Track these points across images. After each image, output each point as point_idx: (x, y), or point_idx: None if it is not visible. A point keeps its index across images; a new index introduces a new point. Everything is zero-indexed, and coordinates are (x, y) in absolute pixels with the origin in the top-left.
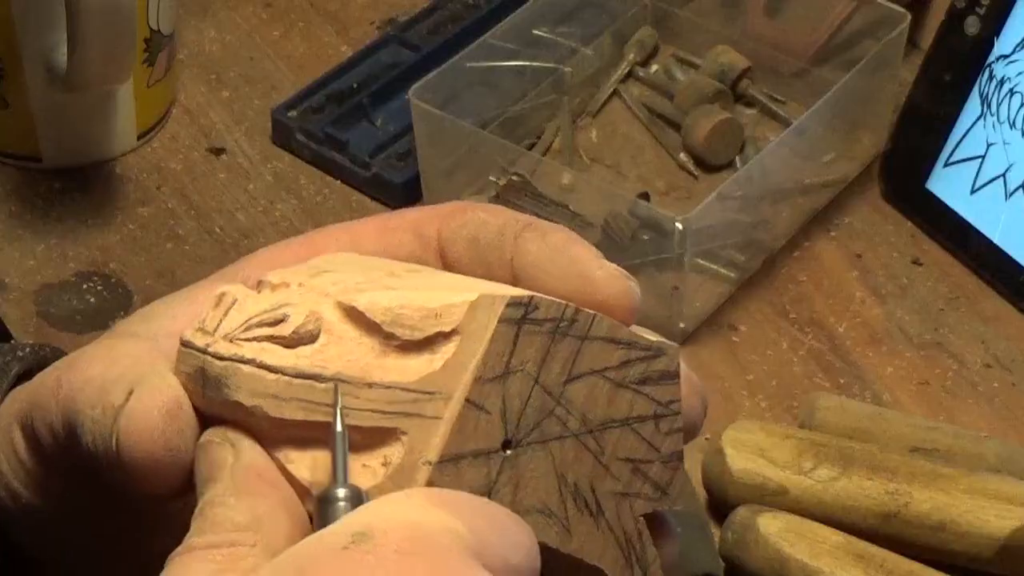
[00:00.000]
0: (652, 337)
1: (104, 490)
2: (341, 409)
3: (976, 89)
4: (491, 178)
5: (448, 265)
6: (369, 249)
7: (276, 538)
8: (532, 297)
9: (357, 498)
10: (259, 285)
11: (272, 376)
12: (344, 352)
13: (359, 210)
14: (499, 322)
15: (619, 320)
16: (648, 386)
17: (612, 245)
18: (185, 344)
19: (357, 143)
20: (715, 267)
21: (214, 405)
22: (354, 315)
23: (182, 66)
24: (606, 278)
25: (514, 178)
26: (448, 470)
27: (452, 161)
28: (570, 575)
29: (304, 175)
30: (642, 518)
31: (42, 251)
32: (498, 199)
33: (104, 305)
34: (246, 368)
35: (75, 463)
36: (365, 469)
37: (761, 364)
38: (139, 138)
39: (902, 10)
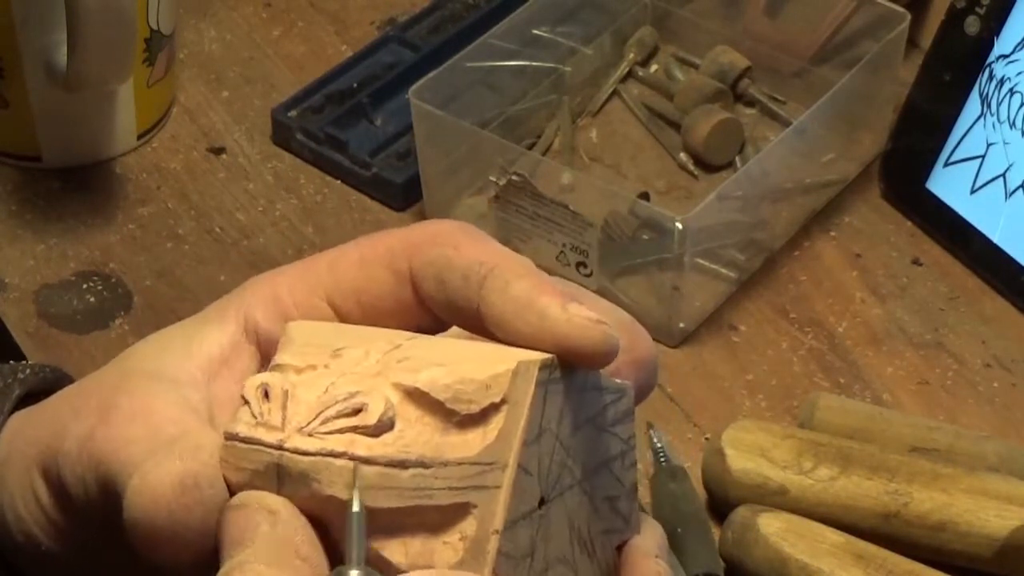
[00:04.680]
0: (616, 380)
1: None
2: (418, 490)
3: (976, 89)
4: (491, 178)
5: (421, 300)
6: (349, 286)
7: None
8: (553, 357)
9: None
10: (279, 368)
11: (366, 468)
12: (416, 434)
13: (359, 210)
14: (535, 386)
15: (597, 365)
16: (617, 426)
17: (612, 245)
18: (244, 440)
19: (357, 143)
20: (715, 267)
21: (293, 500)
22: (416, 395)
23: (182, 66)
24: (578, 331)
25: (514, 178)
26: (508, 536)
27: (452, 161)
28: None
29: (304, 175)
30: (616, 550)
31: (42, 251)
32: (498, 199)
33: (104, 305)
34: (338, 462)
35: (108, 518)
36: (446, 546)
37: (761, 364)
38: (139, 138)
39: (902, 10)
